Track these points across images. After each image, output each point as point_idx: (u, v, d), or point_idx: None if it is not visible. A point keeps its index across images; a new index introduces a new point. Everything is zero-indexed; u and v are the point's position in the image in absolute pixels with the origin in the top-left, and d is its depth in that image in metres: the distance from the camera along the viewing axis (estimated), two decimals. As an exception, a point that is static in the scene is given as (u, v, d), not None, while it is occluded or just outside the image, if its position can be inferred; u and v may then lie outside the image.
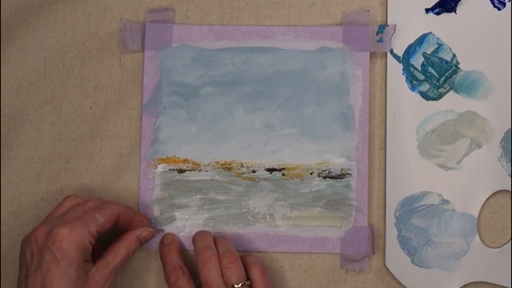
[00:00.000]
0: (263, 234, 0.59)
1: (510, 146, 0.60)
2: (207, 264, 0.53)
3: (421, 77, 0.60)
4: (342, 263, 0.59)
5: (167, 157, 0.59)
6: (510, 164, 0.59)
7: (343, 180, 0.59)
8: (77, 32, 0.61)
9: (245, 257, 0.56)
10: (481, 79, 0.60)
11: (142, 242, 0.56)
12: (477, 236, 0.59)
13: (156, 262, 0.59)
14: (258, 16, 0.61)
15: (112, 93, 0.61)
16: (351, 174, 0.59)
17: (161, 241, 0.58)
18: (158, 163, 0.59)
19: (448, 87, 0.60)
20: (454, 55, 0.60)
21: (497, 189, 0.60)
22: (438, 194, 0.59)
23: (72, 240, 0.50)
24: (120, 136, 0.60)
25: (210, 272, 0.53)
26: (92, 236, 0.52)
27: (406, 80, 0.60)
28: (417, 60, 0.60)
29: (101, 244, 0.54)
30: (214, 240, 0.57)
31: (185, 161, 0.59)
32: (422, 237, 0.59)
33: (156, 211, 0.59)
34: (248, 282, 0.53)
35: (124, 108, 0.60)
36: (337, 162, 0.59)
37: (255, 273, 0.54)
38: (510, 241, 0.60)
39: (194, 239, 0.57)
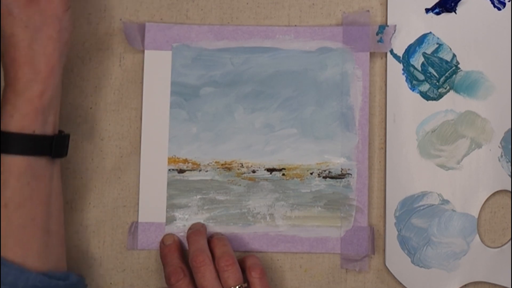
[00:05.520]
0: (263, 234, 0.59)
1: (510, 146, 0.60)
2: (201, 268, 0.53)
3: (421, 77, 0.60)
4: (342, 263, 0.59)
5: (167, 157, 0.59)
6: (510, 164, 0.59)
7: (343, 180, 0.59)
8: (77, 32, 0.60)
9: (246, 257, 0.56)
10: (481, 79, 0.60)
11: None
12: (477, 236, 0.59)
13: (156, 262, 0.59)
14: (258, 16, 0.61)
15: (112, 93, 0.61)
16: (351, 174, 0.59)
17: (162, 241, 0.58)
18: (158, 163, 0.60)
19: (448, 87, 0.60)
20: (454, 55, 0.60)
21: (497, 189, 0.60)
22: (438, 194, 0.59)
23: None
24: (120, 136, 0.60)
25: (204, 275, 0.53)
26: None
27: (406, 80, 0.60)
28: (417, 60, 0.60)
29: None
30: (212, 240, 0.57)
31: (185, 161, 0.59)
32: (422, 237, 0.59)
33: (156, 211, 0.59)
34: (245, 285, 0.53)
35: (124, 108, 0.60)
36: (337, 162, 0.59)
37: (254, 276, 0.54)
38: (510, 241, 0.60)
39: (188, 239, 0.57)
